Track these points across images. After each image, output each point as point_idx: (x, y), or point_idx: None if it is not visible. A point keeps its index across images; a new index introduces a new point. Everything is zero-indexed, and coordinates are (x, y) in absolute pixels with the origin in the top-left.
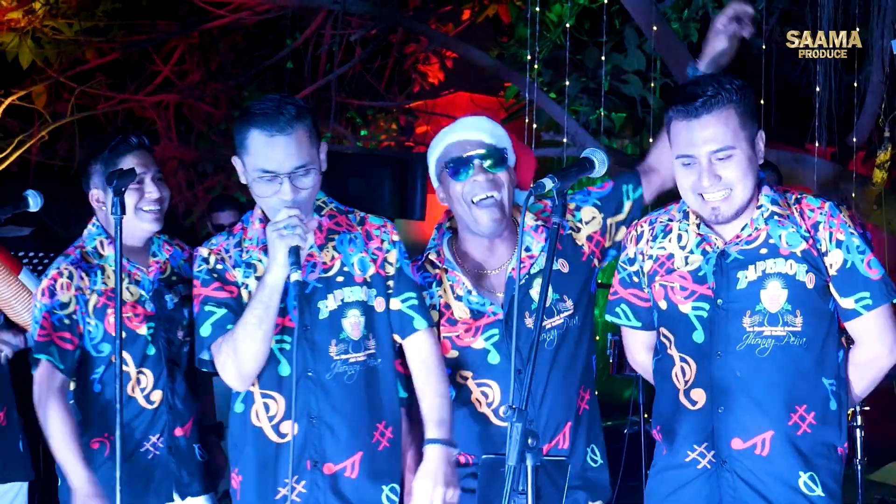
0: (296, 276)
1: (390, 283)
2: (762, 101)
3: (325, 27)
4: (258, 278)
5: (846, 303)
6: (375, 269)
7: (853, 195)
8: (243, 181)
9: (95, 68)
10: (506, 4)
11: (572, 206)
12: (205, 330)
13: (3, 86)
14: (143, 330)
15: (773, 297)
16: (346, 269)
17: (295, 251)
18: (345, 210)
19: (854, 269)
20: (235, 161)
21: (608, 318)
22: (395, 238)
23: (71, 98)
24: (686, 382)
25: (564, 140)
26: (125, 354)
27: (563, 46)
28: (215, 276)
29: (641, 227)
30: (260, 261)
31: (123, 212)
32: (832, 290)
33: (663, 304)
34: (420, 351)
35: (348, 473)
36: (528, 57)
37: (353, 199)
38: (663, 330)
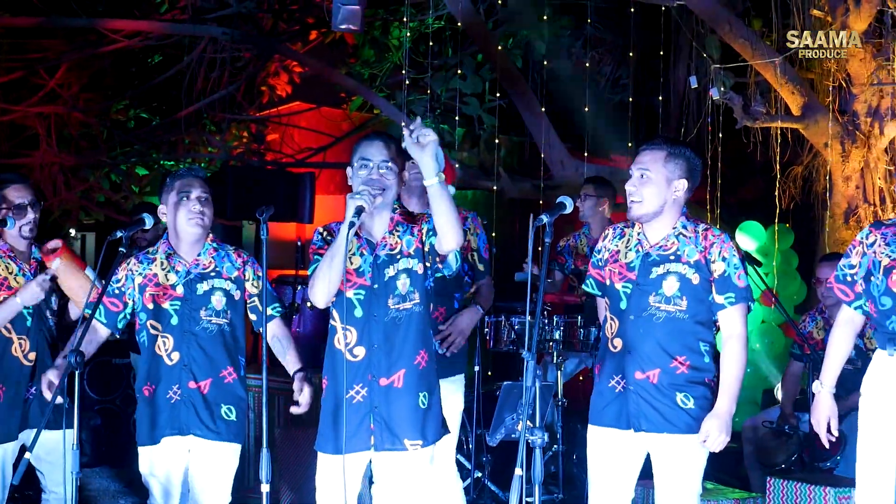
0: (355, 219)
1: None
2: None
3: (207, 51)
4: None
5: (718, 298)
6: (416, 244)
7: None
8: (352, 182)
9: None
10: None
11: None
12: (311, 271)
13: None
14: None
15: (670, 286)
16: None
17: (359, 210)
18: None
19: (729, 278)
20: (348, 171)
21: (584, 287)
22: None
23: None
24: (612, 334)
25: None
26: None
27: (403, 67)
28: (326, 244)
29: (608, 231)
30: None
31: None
32: (713, 288)
33: (608, 282)
34: None
35: (396, 385)
36: (407, 80)
37: (252, 205)
38: (606, 298)
